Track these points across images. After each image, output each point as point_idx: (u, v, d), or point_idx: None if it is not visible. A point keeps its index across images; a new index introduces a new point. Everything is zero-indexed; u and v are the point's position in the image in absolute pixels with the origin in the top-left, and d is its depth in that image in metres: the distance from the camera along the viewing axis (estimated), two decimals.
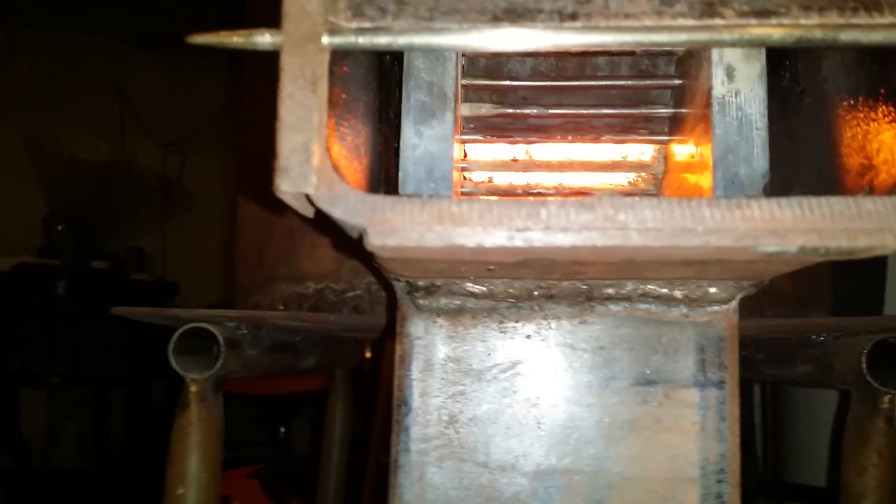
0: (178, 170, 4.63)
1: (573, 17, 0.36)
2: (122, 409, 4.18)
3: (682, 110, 0.62)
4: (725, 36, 0.35)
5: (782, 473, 1.93)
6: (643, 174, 0.70)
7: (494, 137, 0.68)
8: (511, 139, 0.69)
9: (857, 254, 0.35)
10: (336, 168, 0.37)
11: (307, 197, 0.36)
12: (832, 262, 0.92)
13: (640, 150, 0.69)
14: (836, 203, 0.35)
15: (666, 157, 0.69)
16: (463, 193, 0.71)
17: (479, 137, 0.68)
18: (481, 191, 0.71)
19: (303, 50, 0.35)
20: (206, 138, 4.43)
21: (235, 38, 0.37)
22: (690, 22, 0.36)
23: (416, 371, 0.58)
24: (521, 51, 0.42)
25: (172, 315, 0.84)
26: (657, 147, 0.69)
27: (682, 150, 0.63)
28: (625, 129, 0.67)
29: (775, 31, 0.35)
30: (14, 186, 4.22)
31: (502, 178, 0.72)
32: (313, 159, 0.35)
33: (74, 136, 4.31)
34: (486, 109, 0.65)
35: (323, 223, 0.40)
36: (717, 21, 0.36)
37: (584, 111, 0.67)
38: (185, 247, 4.56)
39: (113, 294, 3.86)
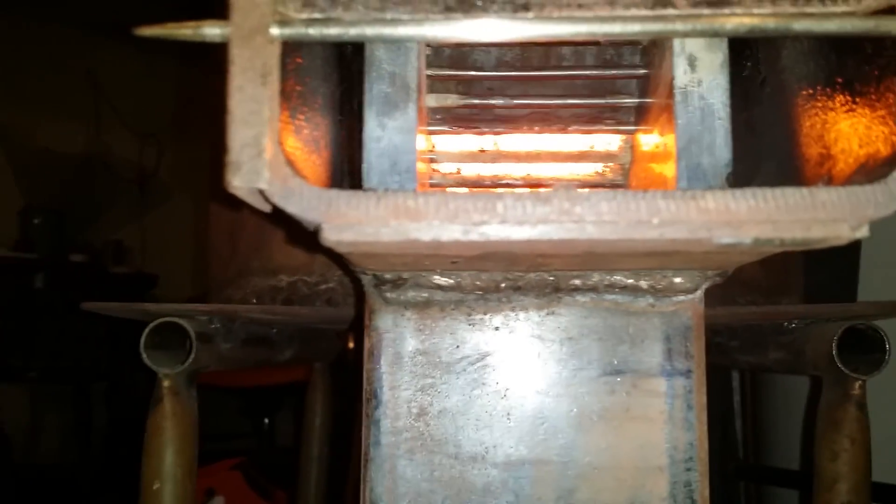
0: (155, 161, 4.59)
1: (526, 7, 0.36)
2: (104, 402, 4.16)
3: (648, 100, 0.62)
4: (678, 26, 0.35)
5: (762, 457, 1.95)
6: (610, 164, 0.70)
7: (461, 128, 0.68)
8: (478, 130, 0.69)
9: (812, 244, 0.35)
10: (291, 162, 0.36)
11: (261, 192, 0.36)
12: (804, 251, 0.93)
13: (607, 140, 0.69)
14: (790, 194, 0.34)
15: (633, 147, 0.69)
16: (431, 185, 0.70)
17: (446, 128, 0.68)
18: (449, 182, 0.70)
19: (252, 42, 0.35)
20: (182, 129, 4.39)
21: (184, 30, 0.36)
22: (643, 12, 0.35)
23: (385, 364, 0.58)
24: (474, 41, 0.42)
25: (142, 310, 0.84)
26: (624, 137, 0.69)
27: (648, 139, 0.62)
28: (591, 119, 0.67)
29: (728, 20, 0.35)
30: None
31: (470, 169, 0.71)
32: (265, 154, 0.34)
33: (49, 127, 4.26)
34: (451, 100, 0.64)
35: (281, 217, 0.40)
36: (670, 11, 0.35)
37: (551, 101, 0.66)
38: (164, 239, 4.52)
39: (92, 287, 3.84)
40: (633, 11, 0.35)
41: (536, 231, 0.35)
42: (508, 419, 0.58)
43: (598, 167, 0.70)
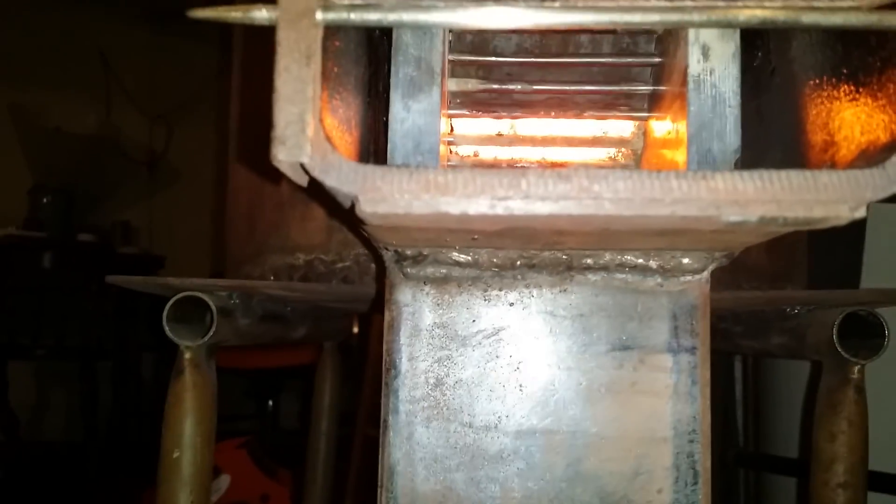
0: (165, 142, 4.61)
1: None
2: (109, 381, 4.19)
3: (661, 88, 0.65)
4: (695, 17, 0.38)
5: (762, 446, 1.98)
6: (623, 150, 0.72)
7: (480, 112, 0.71)
8: (496, 114, 0.71)
9: (814, 224, 0.38)
10: (329, 139, 0.39)
11: (302, 166, 0.39)
12: (809, 237, 0.95)
13: (621, 126, 0.72)
14: (794, 176, 0.37)
15: (645, 133, 0.71)
16: (449, 167, 0.73)
17: (465, 112, 0.70)
18: (467, 164, 0.73)
19: (298, 25, 0.37)
20: (192, 111, 4.41)
21: (234, 14, 0.39)
22: (662, 3, 0.38)
23: (404, 336, 0.61)
24: (504, 28, 0.44)
25: (165, 284, 0.86)
26: (637, 123, 0.71)
27: (660, 126, 0.65)
28: (606, 105, 0.70)
29: (741, 12, 0.38)
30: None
31: (487, 153, 0.74)
32: (308, 130, 0.37)
33: (60, 107, 4.28)
34: (472, 85, 0.67)
35: (315, 192, 0.42)
36: (687, 2, 0.38)
37: (567, 87, 0.69)
38: (171, 220, 4.55)
39: (99, 267, 3.87)
40: (653, 2, 0.38)
41: (558, 206, 0.37)
42: (521, 390, 0.61)
43: (611, 152, 0.73)
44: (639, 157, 0.72)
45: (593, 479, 0.59)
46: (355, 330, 1.97)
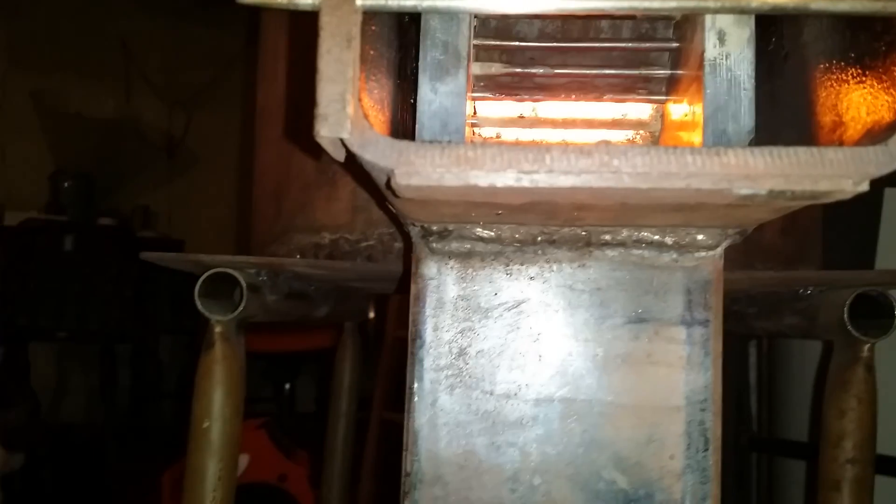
0: (184, 128, 4.66)
1: None
2: (128, 363, 4.26)
3: (678, 72, 0.67)
4: (710, 3, 0.40)
5: (775, 431, 2.00)
6: (641, 132, 0.75)
7: (503, 95, 0.73)
8: (518, 97, 0.74)
9: (819, 197, 0.40)
10: (367, 117, 0.42)
11: (342, 142, 0.42)
12: (823, 220, 0.97)
13: (639, 109, 0.74)
14: (801, 152, 0.40)
15: (663, 116, 0.74)
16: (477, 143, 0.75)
17: (489, 95, 0.73)
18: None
19: (339, 10, 0.40)
20: (210, 97, 4.45)
21: (280, 0, 0.42)
22: None
23: (429, 308, 0.64)
24: (529, 13, 0.47)
25: (197, 260, 0.89)
26: (655, 106, 0.74)
27: (678, 109, 0.67)
28: (625, 88, 0.72)
29: (753, 0, 0.40)
30: (22, 142, 4.25)
31: (510, 134, 0.77)
32: (348, 108, 0.40)
33: (81, 93, 4.33)
34: (495, 69, 0.70)
35: (349, 167, 0.45)
36: None
37: (588, 71, 0.71)
38: (190, 204, 4.60)
39: (119, 250, 3.92)
40: None
41: (580, 180, 0.40)
42: (540, 360, 0.64)
43: (630, 134, 0.75)
44: (657, 138, 0.74)
45: (608, 446, 0.62)
46: (371, 315, 1.99)
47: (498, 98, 0.73)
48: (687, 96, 0.64)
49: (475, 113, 0.75)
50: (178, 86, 4.51)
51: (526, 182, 0.40)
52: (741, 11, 0.41)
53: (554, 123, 0.74)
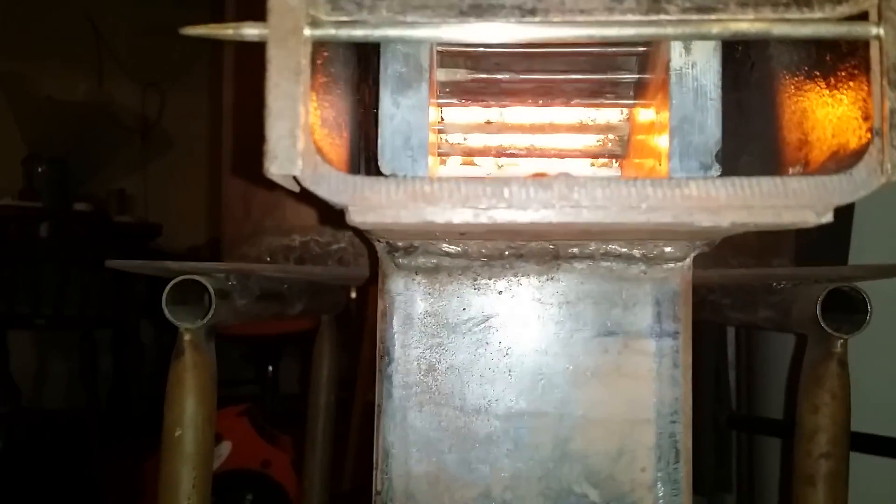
0: (158, 110, 4.59)
1: (532, 12, 0.39)
2: (109, 349, 4.23)
3: (646, 76, 0.66)
4: (669, 30, 0.39)
5: (755, 408, 2.01)
6: (611, 136, 0.74)
7: (469, 101, 0.72)
8: (485, 102, 0.73)
9: (782, 227, 0.40)
10: (319, 150, 0.41)
11: (294, 178, 0.40)
12: None
13: (608, 113, 0.73)
14: (765, 182, 0.39)
15: (631, 119, 0.73)
16: (439, 154, 0.74)
17: (455, 101, 0.72)
18: (457, 152, 0.74)
19: (287, 43, 0.39)
20: (184, 78, 4.38)
21: (226, 31, 0.40)
22: (638, 17, 0.39)
23: (396, 325, 0.63)
24: (486, 43, 0.46)
25: (164, 267, 0.88)
26: (623, 110, 0.72)
27: (646, 113, 0.66)
28: (592, 93, 0.71)
29: (714, 26, 0.39)
30: None
31: (477, 140, 0.75)
32: (298, 144, 0.39)
33: (51, 76, 4.25)
34: (460, 75, 0.68)
35: (309, 196, 0.44)
36: (662, 17, 0.39)
37: (555, 76, 0.70)
38: (167, 187, 4.55)
39: (96, 236, 3.88)
40: (629, 17, 0.39)
41: (539, 215, 0.39)
42: (510, 375, 0.63)
43: (599, 138, 0.74)
44: (625, 142, 0.73)
45: (579, 459, 0.62)
46: (353, 295, 1.98)
47: (464, 104, 0.72)
48: (655, 101, 0.63)
49: (442, 119, 0.74)
50: (151, 67, 4.43)
51: (484, 218, 0.39)
52: (701, 37, 0.40)
53: (521, 128, 0.73)
